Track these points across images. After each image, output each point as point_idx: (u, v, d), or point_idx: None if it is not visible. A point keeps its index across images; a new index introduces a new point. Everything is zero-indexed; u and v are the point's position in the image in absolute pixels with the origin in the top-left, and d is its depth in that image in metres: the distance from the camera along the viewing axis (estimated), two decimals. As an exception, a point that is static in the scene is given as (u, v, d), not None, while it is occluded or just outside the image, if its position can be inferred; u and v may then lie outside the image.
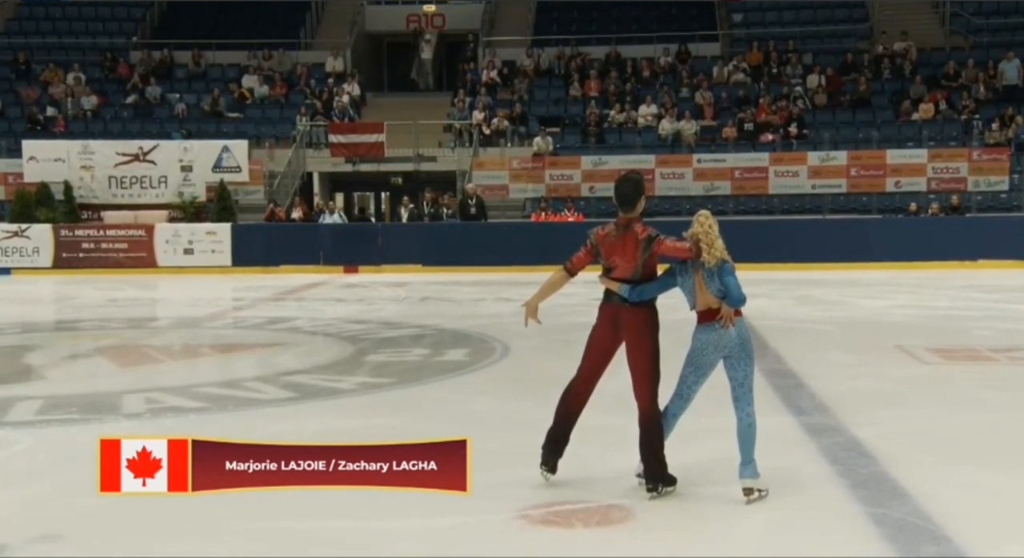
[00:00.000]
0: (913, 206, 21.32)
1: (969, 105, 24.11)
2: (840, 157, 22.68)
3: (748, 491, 4.53)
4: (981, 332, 10.41)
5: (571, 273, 4.99)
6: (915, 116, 24.14)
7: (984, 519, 4.31)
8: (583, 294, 15.08)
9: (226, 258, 19.79)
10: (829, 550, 4.00)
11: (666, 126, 24.25)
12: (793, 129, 23.75)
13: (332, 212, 21.56)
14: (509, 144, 24.47)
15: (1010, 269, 18.10)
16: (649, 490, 4.65)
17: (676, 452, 4.97)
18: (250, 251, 19.82)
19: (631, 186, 4.79)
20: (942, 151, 22.72)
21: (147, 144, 22.31)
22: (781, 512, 4.45)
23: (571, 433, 4.95)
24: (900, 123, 24.15)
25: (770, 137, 23.71)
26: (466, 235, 20.14)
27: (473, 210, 20.60)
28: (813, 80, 25.49)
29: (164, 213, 21.16)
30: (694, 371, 4.74)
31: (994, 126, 23.16)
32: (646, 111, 24.88)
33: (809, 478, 4.91)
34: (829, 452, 5.40)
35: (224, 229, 20.04)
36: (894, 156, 22.64)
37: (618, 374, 8.26)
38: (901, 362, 8.54)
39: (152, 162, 21.93)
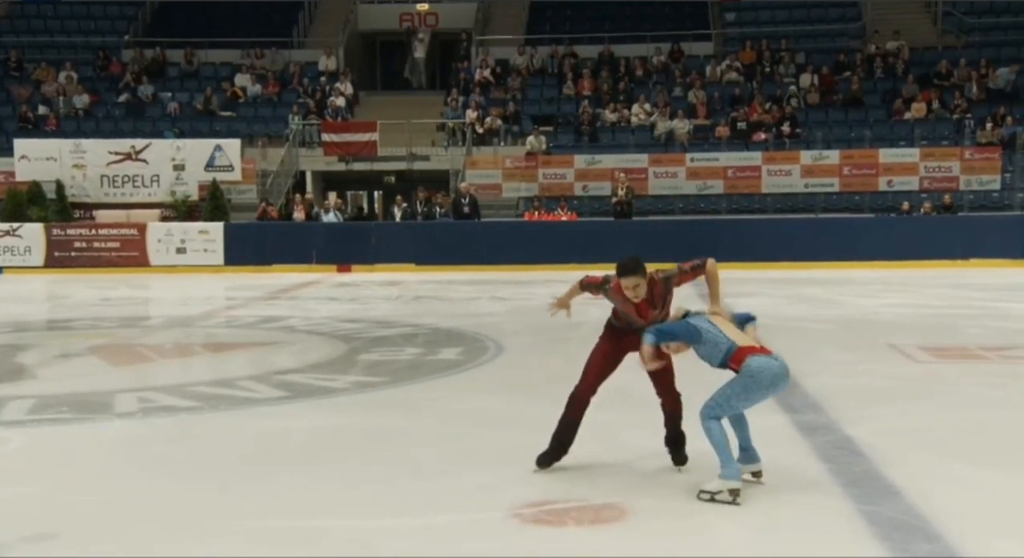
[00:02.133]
0: (906, 205, 21.37)
1: (961, 104, 24.17)
2: (833, 156, 22.72)
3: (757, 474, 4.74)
4: (973, 330, 10.43)
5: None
6: (907, 115, 24.19)
7: (977, 516, 4.32)
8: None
9: (219, 257, 19.76)
10: (822, 549, 4.00)
11: (659, 125, 24.27)
12: (786, 128, 23.79)
13: (328, 211, 21.53)
14: (502, 143, 24.48)
15: (1002, 268, 18.15)
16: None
17: (664, 455, 4.97)
18: (243, 250, 19.80)
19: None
20: (934, 150, 22.78)
21: (139, 143, 22.28)
22: (774, 511, 4.45)
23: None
24: (893, 122, 24.20)
25: (763, 136, 23.75)
26: (460, 234, 20.13)
27: (466, 209, 20.59)
28: (806, 79, 25.53)
29: (156, 212, 21.14)
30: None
31: (987, 125, 23.21)
32: (639, 110, 24.90)
33: (802, 476, 4.91)
34: (822, 450, 5.41)
35: (217, 228, 20.01)
36: (887, 155, 22.69)
37: (614, 374, 8.26)
38: (894, 360, 8.55)
39: (144, 161, 21.90)
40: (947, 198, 21.27)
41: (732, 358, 4.63)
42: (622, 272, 4.88)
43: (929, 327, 10.88)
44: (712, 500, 4.49)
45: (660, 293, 4.92)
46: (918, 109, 24.24)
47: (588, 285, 5.22)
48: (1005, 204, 22.00)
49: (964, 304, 13.05)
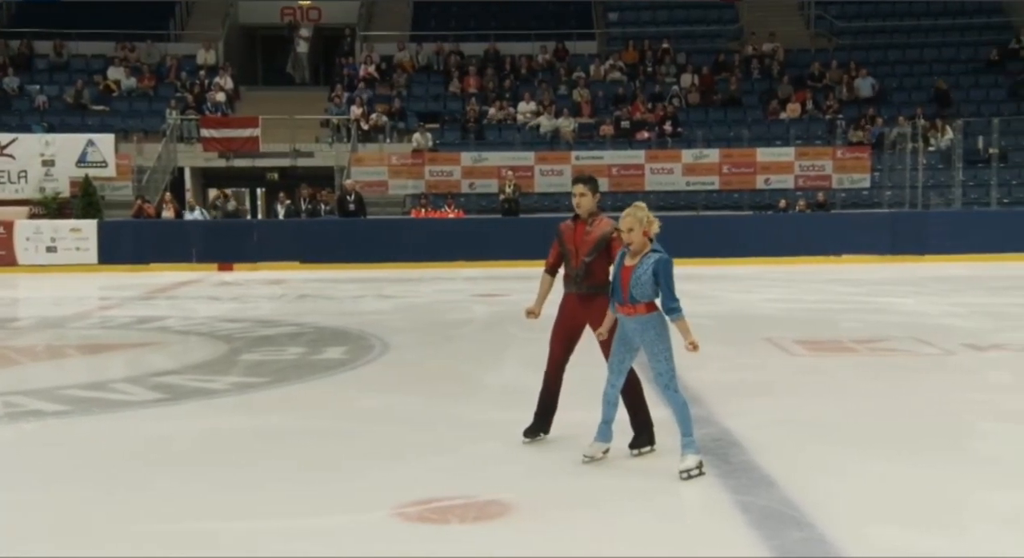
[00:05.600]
0: (782, 202, 22.05)
1: (833, 105, 25.07)
2: (713, 155, 23.28)
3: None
4: (846, 324, 10.81)
5: None
6: (783, 115, 24.96)
7: (848, 504, 4.46)
8: (463, 290, 15.10)
9: (92, 256, 19.09)
10: (697, 538, 4.08)
11: (545, 123, 24.45)
12: (668, 127, 24.27)
13: (193, 209, 21.01)
14: (388, 140, 24.30)
15: (872, 263, 18.90)
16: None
17: (551, 450, 5.01)
18: (118, 248, 19.17)
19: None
20: (808, 150, 23.57)
21: (5, 137, 21.39)
22: (653, 502, 4.52)
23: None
24: (769, 122, 24.94)
25: (646, 135, 24.17)
26: (345, 232, 19.91)
27: (352, 206, 20.37)
28: (687, 79, 26.09)
29: (24, 209, 20.29)
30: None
31: (857, 126, 24.13)
32: (525, 108, 25.04)
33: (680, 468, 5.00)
34: (701, 443, 5.49)
35: (90, 226, 19.32)
36: (764, 154, 23.37)
37: (500, 371, 8.26)
38: (770, 354, 8.80)
39: (11, 156, 21.02)
40: (821, 196, 22.03)
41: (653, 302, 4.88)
42: (576, 179, 5.40)
43: (804, 321, 11.23)
44: (690, 477, 4.76)
45: (602, 227, 5.27)
46: (792, 109, 25.04)
47: (549, 256, 5.52)
48: (874, 202, 22.91)
49: (837, 299, 13.53)
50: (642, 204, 4.94)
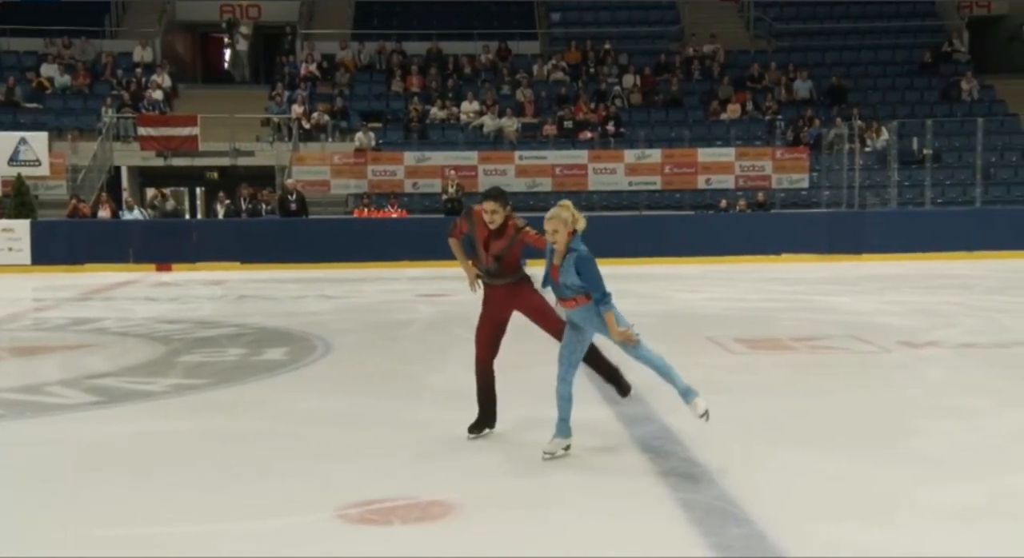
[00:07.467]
0: (723, 203, 22.29)
1: (772, 106, 25.42)
2: (655, 155, 23.45)
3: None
4: (785, 323, 10.95)
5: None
6: (723, 116, 25.23)
7: (787, 499, 4.51)
8: (407, 290, 15.02)
9: (25, 256, 18.69)
10: (638, 535, 4.10)
11: (488, 123, 24.45)
12: (610, 127, 24.40)
13: (132, 208, 20.62)
14: (330, 139, 24.11)
15: (810, 263, 19.19)
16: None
17: (494, 450, 5.00)
18: (52, 249, 18.78)
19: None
20: (748, 150, 23.85)
21: (-67, 135, 20.82)
22: (596, 501, 4.54)
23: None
24: (710, 122, 25.19)
25: (589, 135, 24.28)
26: (286, 231, 19.71)
27: (293, 206, 20.19)
28: (629, 80, 26.26)
29: (-46, 209, 19.79)
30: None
31: (796, 127, 24.50)
32: (468, 107, 25.01)
33: (623, 467, 5.03)
34: (642, 441, 5.55)
35: (23, 226, 18.91)
36: (705, 154, 23.59)
37: (444, 371, 8.26)
38: (711, 352, 8.88)
39: (-62, 154, 20.49)
40: (760, 196, 22.32)
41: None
42: (487, 195, 5.37)
43: (744, 320, 11.35)
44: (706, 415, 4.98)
45: (510, 233, 5.33)
46: (733, 110, 25.33)
47: (454, 226, 5.56)
48: (813, 201, 23.27)
49: (776, 297, 13.71)
50: (567, 202, 4.95)
